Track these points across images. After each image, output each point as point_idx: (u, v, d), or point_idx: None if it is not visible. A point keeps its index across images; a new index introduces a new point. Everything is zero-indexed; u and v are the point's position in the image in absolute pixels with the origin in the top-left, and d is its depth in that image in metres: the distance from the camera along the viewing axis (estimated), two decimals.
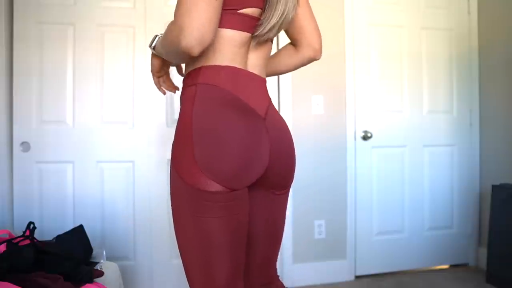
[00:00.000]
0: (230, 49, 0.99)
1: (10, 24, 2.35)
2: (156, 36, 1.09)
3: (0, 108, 2.32)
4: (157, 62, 1.15)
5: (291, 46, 1.24)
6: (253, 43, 1.04)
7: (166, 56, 1.06)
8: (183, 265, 1.03)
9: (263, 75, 1.09)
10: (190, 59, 0.99)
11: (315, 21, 1.19)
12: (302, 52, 1.21)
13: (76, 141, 2.43)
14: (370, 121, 2.84)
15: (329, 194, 2.76)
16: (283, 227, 1.19)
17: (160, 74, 1.19)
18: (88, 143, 2.44)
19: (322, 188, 2.75)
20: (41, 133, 2.39)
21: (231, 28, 0.98)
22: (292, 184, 1.17)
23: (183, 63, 1.13)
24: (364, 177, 2.83)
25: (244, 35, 1.00)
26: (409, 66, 2.91)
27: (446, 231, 2.98)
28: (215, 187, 0.94)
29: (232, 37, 0.99)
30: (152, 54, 1.14)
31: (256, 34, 1.02)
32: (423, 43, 2.94)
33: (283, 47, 1.27)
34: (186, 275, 1.03)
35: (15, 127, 2.36)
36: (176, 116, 2.44)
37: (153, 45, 1.10)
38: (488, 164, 2.94)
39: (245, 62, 1.04)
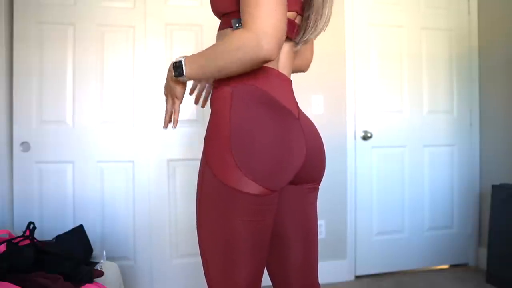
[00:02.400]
0: None
1: (10, 24, 2.35)
2: (180, 60, 0.99)
3: (0, 108, 2.32)
4: (182, 87, 1.07)
5: None
6: (294, 47, 1.03)
7: (217, 71, 0.95)
8: (203, 265, 1.01)
9: (290, 76, 1.09)
10: (260, 65, 0.93)
11: None
12: (297, 60, 1.20)
13: (76, 141, 2.43)
14: (370, 121, 2.84)
15: (329, 194, 2.75)
16: (316, 228, 1.16)
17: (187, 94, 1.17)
18: (88, 143, 2.44)
19: (322, 188, 2.69)
20: (41, 133, 2.39)
21: None
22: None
23: (241, 72, 0.95)
24: (364, 177, 2.83)
25: None
26: (409, 66, 2.91)
27: (446, 231, 2.98)
28: (255, 188, 0.93)
29: None
30: (175, 80, 1.04)
31: (303, 39, 1.01)
32: (423, 43, 2.94)
33: None
34: (205, 275, 1.01)
35: (15, 127, 2.36)
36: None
37: (184, 71, 0.98)
38: (488, 164, 2.94)
39: (277, 63, 1.03)
